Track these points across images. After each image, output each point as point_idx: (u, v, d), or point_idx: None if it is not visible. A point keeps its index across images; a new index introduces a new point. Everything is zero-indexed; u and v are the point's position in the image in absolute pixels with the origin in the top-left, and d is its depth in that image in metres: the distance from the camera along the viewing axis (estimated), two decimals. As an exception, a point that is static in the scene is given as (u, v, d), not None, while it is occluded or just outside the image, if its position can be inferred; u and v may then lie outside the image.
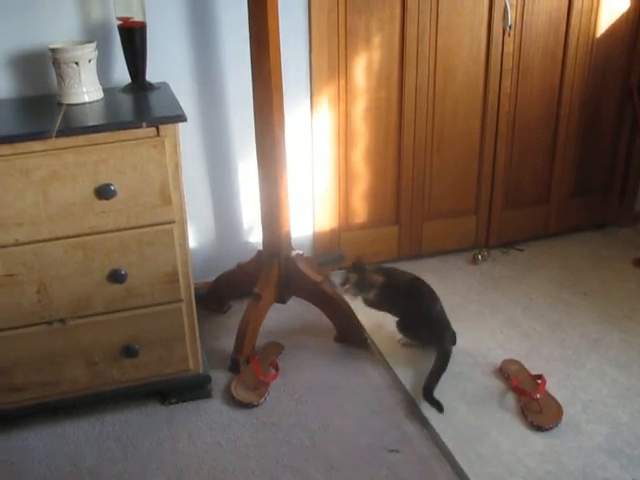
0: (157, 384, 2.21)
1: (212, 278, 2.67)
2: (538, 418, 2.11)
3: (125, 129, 1.88)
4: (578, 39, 2.92)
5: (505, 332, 2.57)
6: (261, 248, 2.55)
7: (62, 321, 2.02)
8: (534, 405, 2.15)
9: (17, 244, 1.90)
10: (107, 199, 1.91)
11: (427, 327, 2.40)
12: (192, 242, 2.10)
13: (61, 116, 1.97)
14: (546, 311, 2.70)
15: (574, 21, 2.88)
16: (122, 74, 2.30)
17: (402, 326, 2.45)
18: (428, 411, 2.16)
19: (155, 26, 2.29)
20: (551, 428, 2.09)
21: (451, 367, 2.35)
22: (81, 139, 1.85)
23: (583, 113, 3.09)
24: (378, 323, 2.58)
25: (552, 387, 2.24)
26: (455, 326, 2.54)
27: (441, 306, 2.42)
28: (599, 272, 3.00)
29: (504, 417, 2.15)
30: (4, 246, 1.89)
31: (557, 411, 2.14)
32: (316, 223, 2.88)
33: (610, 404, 2.19)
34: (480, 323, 2.63)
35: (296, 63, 2.56)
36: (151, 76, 2.29)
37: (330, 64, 2.62)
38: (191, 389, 2.24)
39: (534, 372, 2.30)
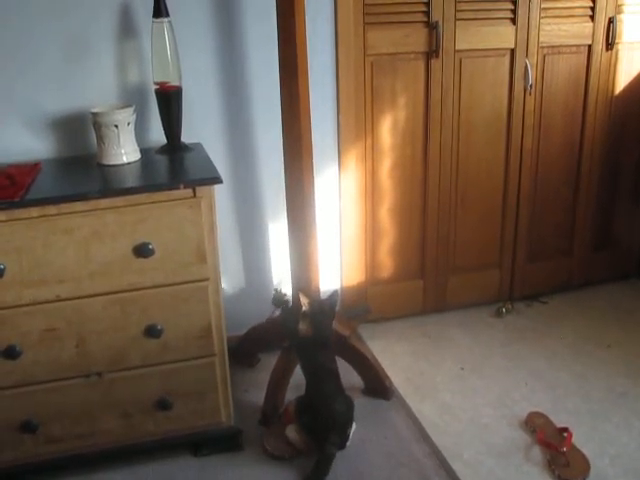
0: (189, 436, 2.25)
1: (242, 332, 2.73)
2: (565, 472, 2.12)
3: (163, 190, 1.96)
4: (597, 97, 3.00)
5: (530, 384, 2.59)
6: (290, 303, 2.61)
7: (99, 374, 2.08)
8: (561, 458, 2.16)
9: (58, 300, 1.97)
10: (145, 257, 1.98)
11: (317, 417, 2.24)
12: (223, 297, 2.16)
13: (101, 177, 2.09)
14: (570, 363, 2.72)
15: (593, 80, 2.97)
16: (158, 135, 2.40)
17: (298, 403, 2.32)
18: (454, 462, 2.19)
19: (190, 89, 2.39)
20: (579, 482, 2.10)
21: (478, 419, 2.39)
22: (121, 200, 1.94)
23: (604, 168, 3.16)
24: (405, 377, 2.63)
25: (578, 440, 2.25)
26: (480, 380, 2.58)
27: (345, 403, 2.29)
28: (623, 324, 3.02)
29: (531, 470, 2.16)
30: (46, 302, 1.96)
31: (584, 465, 2.15)
32: (343, 277, 2.93)
33: (638, 458, 2.20)
34: (505, 376, 2.65)
35: (325, 124, 2.65)
36: (185, 137, 2.38)
37: (357, 124, 2.71)
38: (223, 441, 2.28)
39: (560, 425, 2.32)
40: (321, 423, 2.20)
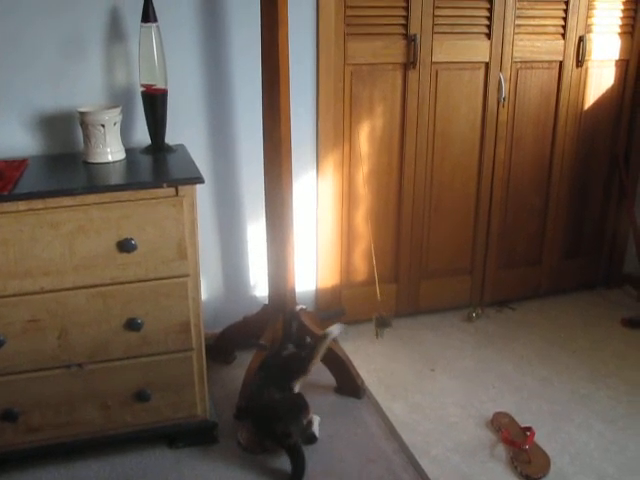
0: (166, 428, 2.30)
1: (219, 330, 2.79)
2: (527, 468, 2.20)
3: (147, 188, 2.03)
4: (567, 110, 3.12)
5: (497, 386, 2.68)
6: (267, 302, 2.68)
7: (80, 365, 2.13)
8: (523, 455, 2.25)
9: (42, 292, 2.02)
10: (128, 252, 2.04)
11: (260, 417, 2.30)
12: (202, 295, 2.22)
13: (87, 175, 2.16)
14: (536, 367, 2.81)
15: (563, 94, 3.08)
16: (143, 135, 2.46)
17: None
18: (422, 459, 2.26)
19: (175, 92, 2.45)
20: (539, 478, 2.17)
21: (446, 418, 2.47)
22: (106, 196, 2.00)
23: (573, 179, 3.27)
24: (377, 377, 2.71)
25: (541, 439, 2.34)
26: (450, 381, 2.66)
27: (282, 393, 2.32)
28: (588, 331, 3.12)
29: (495, 467, 2.24)
30: (30, 293, 2.01)
31: (545, 462, 2.24)
32: (319, 280, 3.00)
33: (597, 457, 2.29)
34: (473, 377, 2.74)
35: (304, 130, 2.73)
36: (169, 138, 2.45)
37: (335, 131, 2.79)
38: (198, 434, 2.33)
39: (524, 425, 2.40)
40: (264, 420, 2.27)
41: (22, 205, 1.94)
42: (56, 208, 1.96)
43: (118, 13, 2.39)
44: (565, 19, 2.96)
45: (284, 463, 2.24)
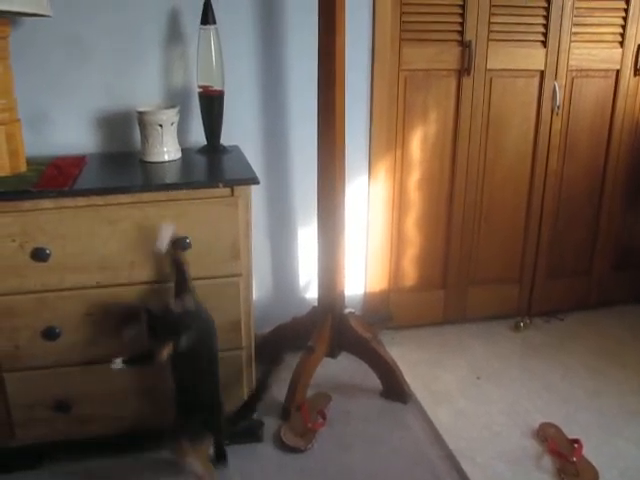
0: (213, 426, 2.33)
1: (268, 330, 2.80)
2: (574, 481, 2.19)
3: (203, 188, 2.06)
4: (623, 120, 3.08)
5: (543, 397, 2.65)
6: (316, 304, 2.70)
7: (132, 360, 2.18)
8: (570, 468, 2.22)
9: (98, 287, 2.06)
10: (182, 251, 2.07)
11: None
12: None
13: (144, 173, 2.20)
14: (584, 379, 2.78)
15: (619, 103, 3.04)
16: (198, 136, 2.50)
17: None
18: (466, 465, 2.26)
19: (231, 94, 2.48)
20: (587, 491, 2.16)
21: (491, 426, 2.46)
22: (162, 195, 2.03)
23: (627, 191, 3.23)
24: (423, 383, 2.71)
25: (589, 452, 2.31)
26: (495, 389, 2.66)
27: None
28: (638, 345, 3.07)
29: (541, 477, 2.22)
30: (86, 287, 2.06)
31: (593, 475, 2.21)
32: (367, 284, 3.01)
33: (646, 472, 2.26)
34: (519, 387, 2.72)
35: (357, 135, 2.74)
36: (224, 139, 2.48)
37: (388, 136, 2.80)
38: (244, 433, 2.35)
39: (571, 436, 2.38)
40: None
41: (81, 201, 1.98)
42: (114, 205, 2.00)
43: (178, 16, 2.43)
44: (624, 27, 2.92)
45: (327, 464, 2.26)
